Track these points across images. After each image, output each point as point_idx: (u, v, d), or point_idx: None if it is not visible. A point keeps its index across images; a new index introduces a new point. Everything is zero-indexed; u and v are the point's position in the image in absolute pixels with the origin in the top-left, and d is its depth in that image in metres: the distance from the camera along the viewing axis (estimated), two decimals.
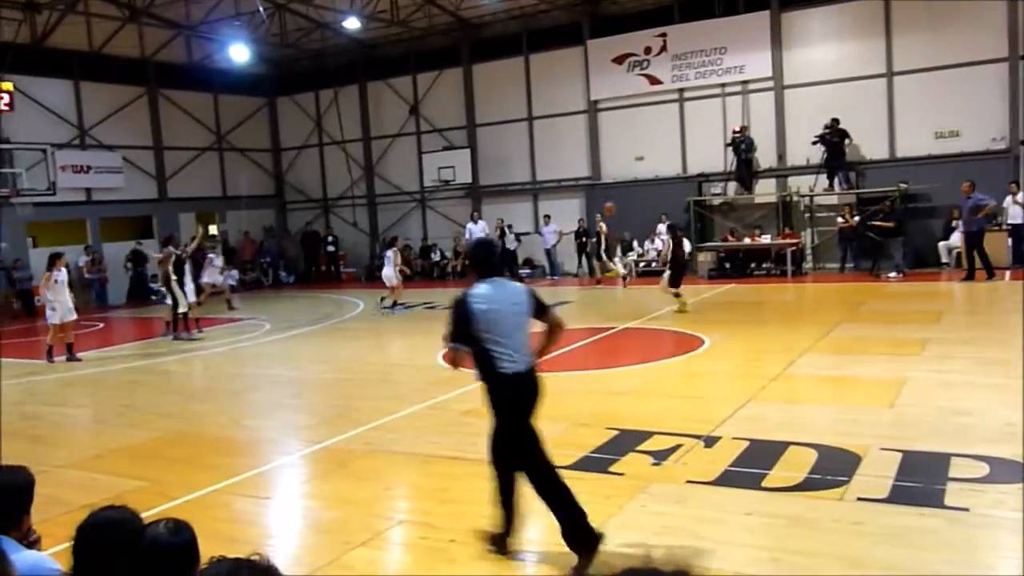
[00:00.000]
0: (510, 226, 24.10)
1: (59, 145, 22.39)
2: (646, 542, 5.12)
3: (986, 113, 19.15)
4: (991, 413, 7.28)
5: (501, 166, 25.38)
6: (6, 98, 18.62)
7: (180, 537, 2.54)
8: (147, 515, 6.28)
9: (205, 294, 18.91)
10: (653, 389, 9.39)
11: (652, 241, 22.54)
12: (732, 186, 22.02)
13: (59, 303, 13.85)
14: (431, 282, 24.99)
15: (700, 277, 20.92)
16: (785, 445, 6.70)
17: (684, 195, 22.30)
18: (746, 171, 21.45)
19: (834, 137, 19.99)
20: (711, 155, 22.15)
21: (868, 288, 17.28)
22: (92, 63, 23.79)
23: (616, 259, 21.55)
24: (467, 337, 5.06)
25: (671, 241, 15.47)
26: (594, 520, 5.01)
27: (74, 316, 14.19)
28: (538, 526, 5.27)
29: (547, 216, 24.05)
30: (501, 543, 5.10)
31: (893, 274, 18.29)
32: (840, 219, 20.23)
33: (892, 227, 18.58)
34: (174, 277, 15.77)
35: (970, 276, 16.93)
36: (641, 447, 6.96)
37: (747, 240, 21.33)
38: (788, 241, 20.64)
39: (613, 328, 13.88)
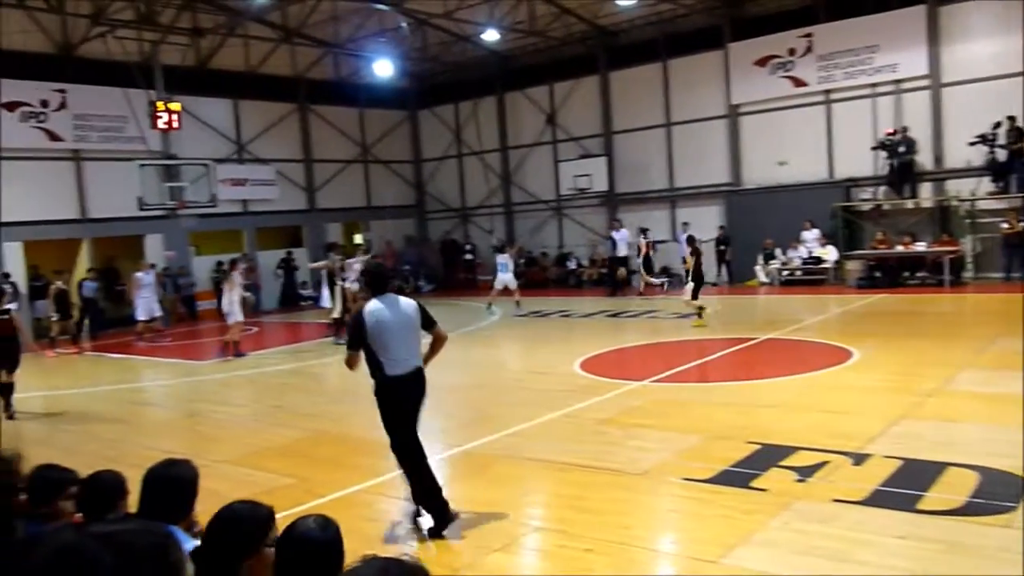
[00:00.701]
0: (647, 231, 23.88)
1: (219, 160, 23.87)
2: (790, 561, 4.93)
3: None
4: None
5: (638, 173, 25.16)
6: (175, 117, 20.02)
7: (327, 533, 2.64)
8: (296, 511, 6.58)
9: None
10: (797, 402, 9.03)
11: (795, 249, 21.75)
12: (883, 191, 20.95)
13: (236, 304, 15.33)
14: (567, 290, 25.03)
15: (848, 286, 19.99)
16: (943, 466, 6.30)
17: (830, 201, 21.39)
18: (904, 174, 20.30)
19: (1011, 137, 18.62)
20: (860, 159, 21.13)
21: None
22: (249, 82, 25.29)
23: (757, 267, 20.99)
24: (361, 344, 6.04)
25: (694, 253, 15.44)
26: (732, 536, 4.93)
27: (242, 317, 15.65)
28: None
29: (685, 223, 23.60)
30: (415, 517, 6.05)
31: None
32: (1005, 225, 18.86)
33: None
34: (339, 283, 16.56)
35: None
36: (784, 462, 6.71)
37: (899, 247, 20.21)
38: (947, 248, 19.40)
39: (755, 339, 13.46)
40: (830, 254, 21.18)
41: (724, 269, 23.01)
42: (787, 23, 21.99)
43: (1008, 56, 19.11)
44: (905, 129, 20.20)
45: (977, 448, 6.79)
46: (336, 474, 7.42)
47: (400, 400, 6.16)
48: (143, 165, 20.24)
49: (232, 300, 15.31)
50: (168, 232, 22.68)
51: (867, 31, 20.76)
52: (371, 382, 6.12)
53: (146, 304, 18.55)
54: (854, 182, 21.49)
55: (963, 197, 19.96)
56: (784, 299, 19.63)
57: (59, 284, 18.75)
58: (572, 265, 26.53)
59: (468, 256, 28.43)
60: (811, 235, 21.57)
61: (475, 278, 28.24)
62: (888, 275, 20.09)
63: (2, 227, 20.15)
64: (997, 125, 18.72)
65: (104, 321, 21.21)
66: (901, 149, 20.10)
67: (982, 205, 19.89)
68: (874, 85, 21.07)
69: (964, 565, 4.69)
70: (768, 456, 6.91)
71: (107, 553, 1.24)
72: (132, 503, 3.68)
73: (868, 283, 19.92)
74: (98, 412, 11.43)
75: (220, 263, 22.77)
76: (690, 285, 15.39)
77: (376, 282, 6.26)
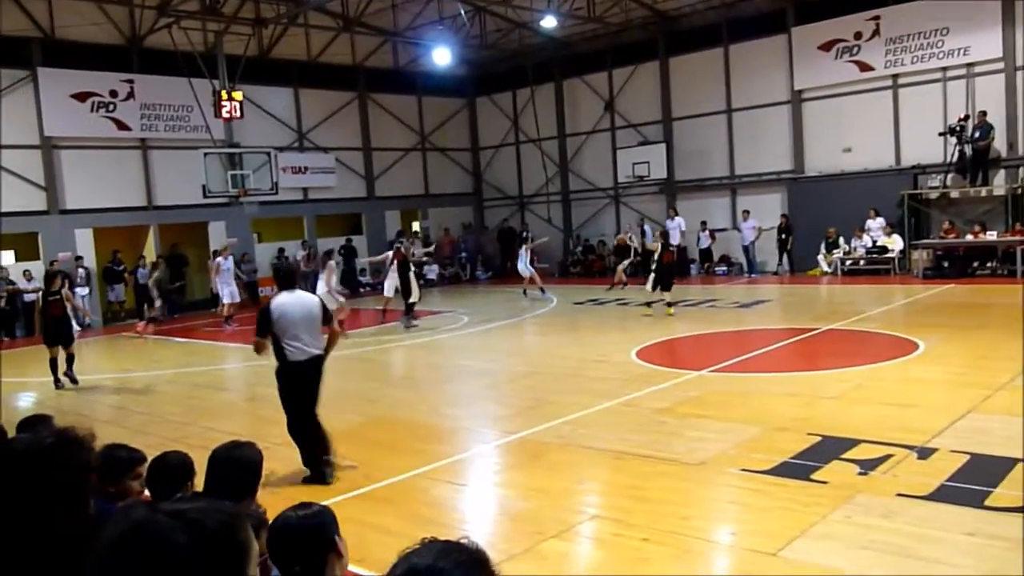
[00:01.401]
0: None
1: (281, 148, 24.26)
2: (851, 555, 4.84)
3: None
4: None
5: (697, 160, 24.83)
6: (238, 106, 20.40)
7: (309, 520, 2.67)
8: (354, 495, 6.67)
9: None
10: (860, 395, 8.83)
11: (859, 237, 21.23)
12: (951, 178, 20.30)
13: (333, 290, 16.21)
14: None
15: (914, 277, 19.47)
16: (1013, 462, 6.11)
17: (897, 188, 20.82)
18: (978, 161, 19.60)
19: None
20: (928, 145, 20.49)
21: None
22: (310, 71, 25.62)
23: (820, 256, 20.59)
24: (267, 332, 7.01)
25: (661, 246, 16.24)
26: (791, 529, 4.92)
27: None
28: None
29: (746, 211, 23.29)
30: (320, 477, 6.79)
31: None
32: None
33: None
34: (412, 270, 16.84)
35: None
36: (846, 455, 6.59)
37: (969, 237, 19.59)
38: (1019, 238, 18.74)
39: (817, 329, 13.21)
40: (896, 243, 20.64)
41: (785, 258, 22.61)
42: (854, 6, 21.41)
43: None
44: (984, 114, 19.45)
45: None
46: (394, 459, 7.51)
47: (295, 383, 7.01)
48: (207, 153, 20.69)
49: (331, 286, 15.79)
50: (230, 219, 23.17)
51: (937, 13, 20.08)
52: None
53: (229, 288, 19.11)
54: (921, 169, 20.87)
55: None
56: (847, 289, 19.21)
57: (156, 274, 20.28)
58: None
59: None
60: (876, 224, 21.04)
61: (533, 266, 28.19)
62: (957, 265, 19.48)
63: (73, 214, 20.92)
64: None
65: (175, 306, 21.87)
66: (976, 135, 19.43)
67: None
68: (944, 69, 20.41)
69: None
70: (829, 448, 6.79)
71: (179, 530, 1.27)
72: (197, 484, 3.78)
73: (935, 273, 19.35)
74: (165, 394, 11.77)
75: (312, 248, 23.60)
76: (652, 276, 16.23)
77: (284, 279, 7.39)
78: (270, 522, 2.77)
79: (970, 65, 20.05)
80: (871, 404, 8.39)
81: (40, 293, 13.60)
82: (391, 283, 17.62)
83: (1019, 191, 19.48)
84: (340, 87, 26.43)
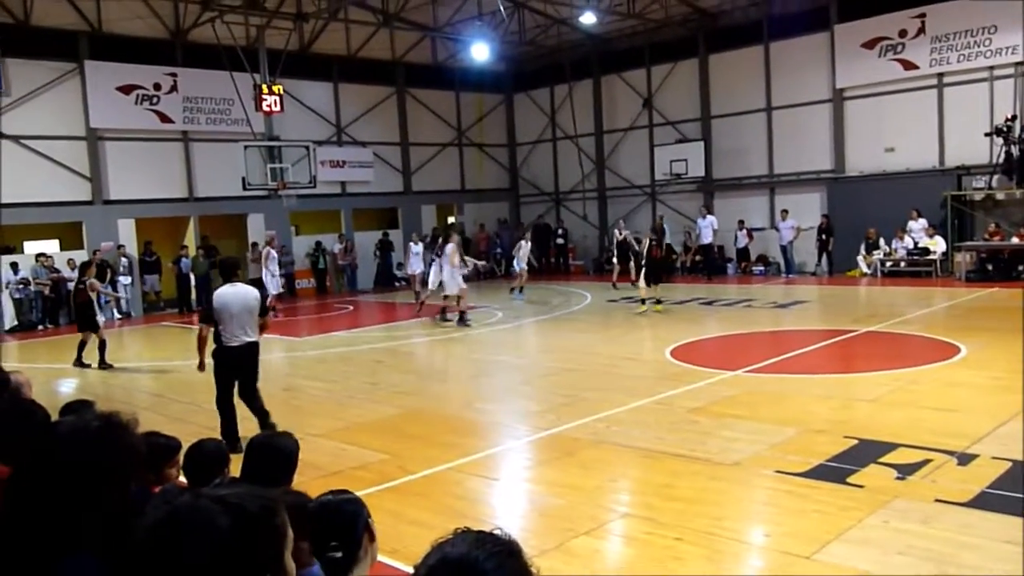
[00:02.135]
0: (741, 222, 23.63)
1: (319, 142, 24.48)
2: (887, 561, 4.77)
3: None
4: None
5: (736, 159, 24.60)
6: (278, 100, 20.62)
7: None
8: (387, 486, 6.73)
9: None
10: (899, 398, 8.69)
11: (901, 239, 20.88)
12: (996, 179, 19.87)
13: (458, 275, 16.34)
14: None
15: (957, 279, 19.11)
16: None
17: (940, 189, 20.45)
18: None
19: None
20: (973, 145, 20.07)
21: None
22: (349, 66, 25.80)
23: (860, 257, 20.27)
24: (210, 319, 8.03)
25: (650, 242, 16.32)
26: (826, 532, 4.88)
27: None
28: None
29: (784, 211, 23.02)
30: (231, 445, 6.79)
31: None
32: None
33: None
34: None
35: None
36: (884, 459, 6.49)
37: (1015, 239, 19.18)
38: None
39: (855, 331, 13.03)
40: (938, 245, 20.27)
41: (825, 259, 22.33)
42: (899, 3, 21.05)
43: None
44: None
45: None
46: (427, 451, 7.55)
47: (229, 365, 7.98)
48: (247, 146, 20.94)
49: (452, 273, 16.00)
50: (269, 212, 23.42)
51: (985, 11, 19.67)
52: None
53: (275, 279, 19.39)
54: (966, 170, 20.46)
55: None
56: (887, 291, 18.91)
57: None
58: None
59: (560, 240, 28.40)
60: (918, 225, 20.69)
61: (567, 262, 28.20)
62: (1001, 269, 19.09)
63: (117, 204, 21.32)
64: None
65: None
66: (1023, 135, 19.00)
67: None
68: (992, 68, 20.00)
69: None
70: (867, 452, 6.69)
71: (222, 514, 1.30)
72: (234, 471, 3.84)
73: (979, 276, 18.98)
74: (204, 383, 11.92)
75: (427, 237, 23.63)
76: (642, 272, 16.38)
77: (226, 271, 8.38)
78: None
79: (1019, 64, 19.62)
80: (910, 408, 8.25)
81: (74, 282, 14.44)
82: (440, 277, 16.68)
83: None
84: (379, 82, 26.58)
